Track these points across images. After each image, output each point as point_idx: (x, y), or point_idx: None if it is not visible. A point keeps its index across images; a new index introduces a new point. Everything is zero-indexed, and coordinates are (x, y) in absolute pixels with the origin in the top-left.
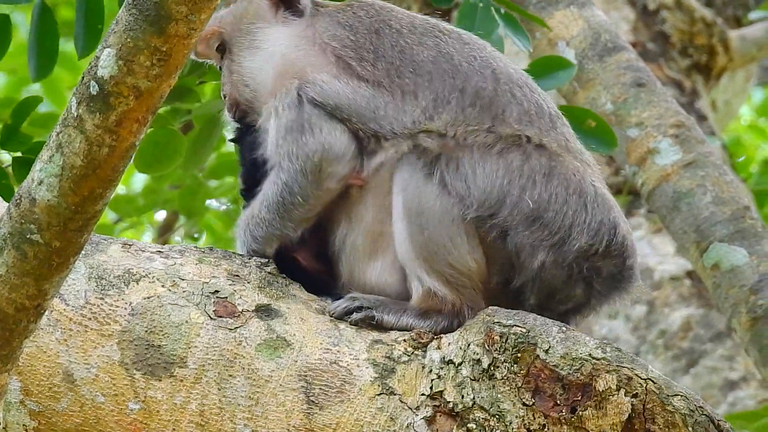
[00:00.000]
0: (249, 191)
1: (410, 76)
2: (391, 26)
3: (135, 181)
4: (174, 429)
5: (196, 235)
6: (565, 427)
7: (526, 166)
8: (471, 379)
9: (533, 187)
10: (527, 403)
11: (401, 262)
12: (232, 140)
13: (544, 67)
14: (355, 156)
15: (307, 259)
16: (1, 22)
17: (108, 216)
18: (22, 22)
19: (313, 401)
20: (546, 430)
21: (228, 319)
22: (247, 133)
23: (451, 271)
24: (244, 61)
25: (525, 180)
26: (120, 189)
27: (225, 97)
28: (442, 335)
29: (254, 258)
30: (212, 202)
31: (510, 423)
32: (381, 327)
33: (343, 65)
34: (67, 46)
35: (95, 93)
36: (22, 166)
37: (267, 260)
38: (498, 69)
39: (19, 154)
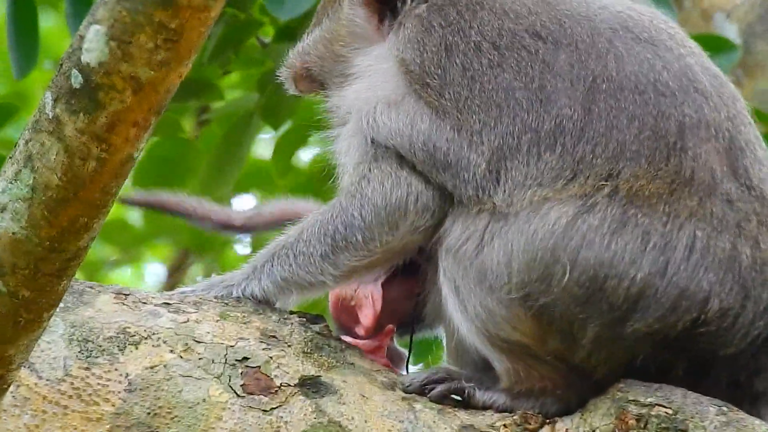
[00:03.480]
0: None
1: (478, 112)
2: (468, 39)
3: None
4: None
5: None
6: None
7: (580, 223)
8: None
9: (588, 249)
10: None
11: (465, 339)
12: None
13: None
14: (430, 211)
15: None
16: None
17: (95, 250)
18: None
19: None
20: None
21: (261, 396)
22: None
23: (509, 345)
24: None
25: (578, 241)
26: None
27: None
28: (556, 418)
29: (298, 313)
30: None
31: None
32: (470, 406)
33: (412, 90)
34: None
35: (78, 86)
36: None
37: (315, 316)
38: (603, 73)
39: None
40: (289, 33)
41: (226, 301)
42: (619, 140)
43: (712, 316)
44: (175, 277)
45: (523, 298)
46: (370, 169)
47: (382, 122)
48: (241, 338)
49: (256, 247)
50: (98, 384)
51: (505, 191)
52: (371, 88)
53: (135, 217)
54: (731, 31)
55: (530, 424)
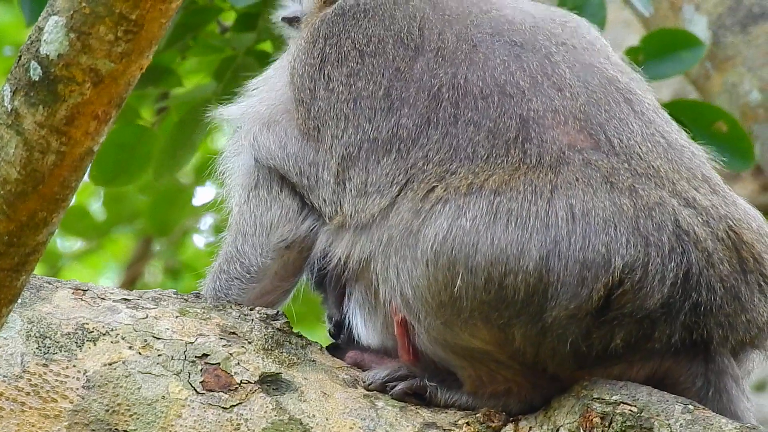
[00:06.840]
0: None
1: (331, 126)
2: (340, 49)
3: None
4: None
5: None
6: None
7: (456, 230)
8: None
9: (473, 249)
10: None
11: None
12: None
13: (661, 45)
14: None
15: None
16: None
17: (54, 242)
18: None
19: None
20: None
21: (221, 393)
22: None
23: (470, 352)
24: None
25: (461, 248)
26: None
27: None
28: (519, 417)
29: (258, 309)
30: (198, 229)
31: None
32: (432, 404)
33: (292, 107)
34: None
35: (38, 78)
36: None
37: (276, 312)
38: (451, 81)
39: None
40: (250, 20)
41: (185, 297)
42: (453, 145)
43: (620, 274)
44: (134, 268)
45: (447, 322)
46: (248, 198)
47: (261, 143)
48: (200, 335)
49: (216, 232)
50: (56, 381)
51: (349, 201)
52: (260, 102)
53: (96, 206)
54: (700, 24)
55: (493, 422)
